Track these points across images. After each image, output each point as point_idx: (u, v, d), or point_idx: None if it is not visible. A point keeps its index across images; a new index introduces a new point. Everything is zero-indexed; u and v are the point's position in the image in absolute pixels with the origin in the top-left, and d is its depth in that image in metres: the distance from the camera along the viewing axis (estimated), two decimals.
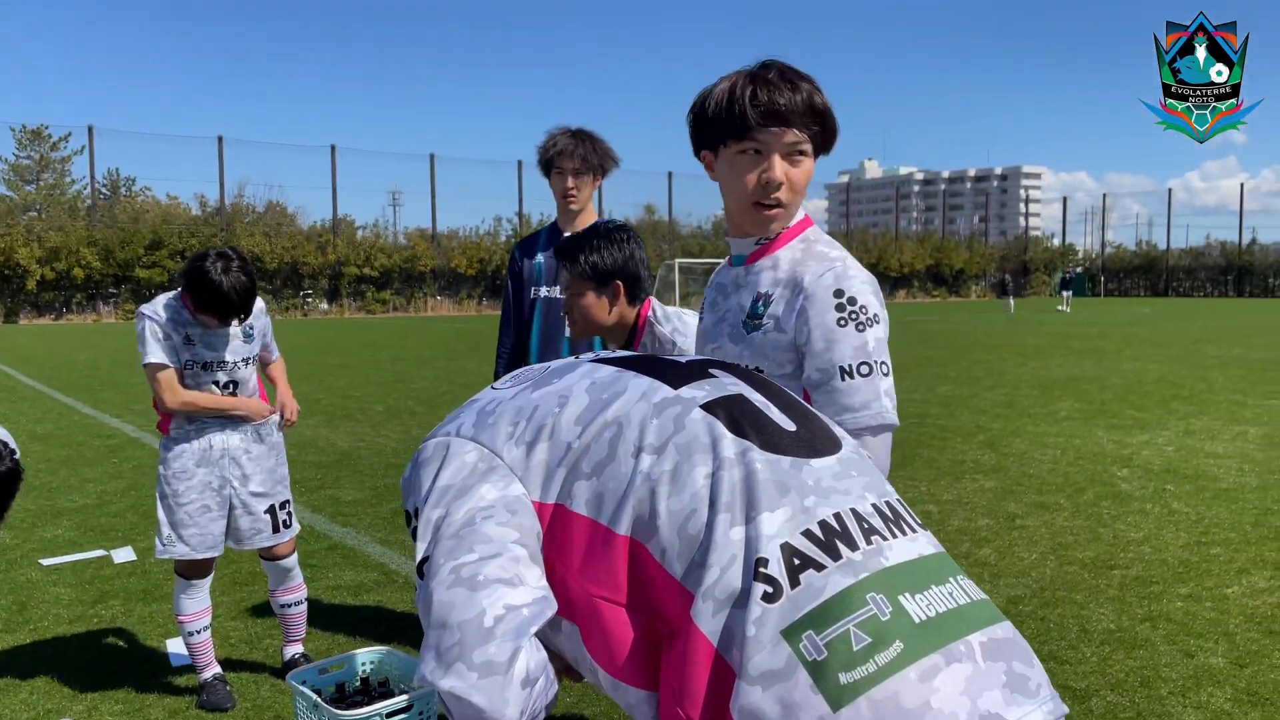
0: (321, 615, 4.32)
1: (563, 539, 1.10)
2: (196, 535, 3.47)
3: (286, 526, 3.66)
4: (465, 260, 45.46)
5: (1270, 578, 4.65)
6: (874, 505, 1.09)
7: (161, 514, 3.49)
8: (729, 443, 1.09)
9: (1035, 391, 12.00)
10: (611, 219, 2.76)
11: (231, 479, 3.54)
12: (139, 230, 39.19)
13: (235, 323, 3.41)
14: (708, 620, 1.00)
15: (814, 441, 1.14)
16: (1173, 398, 11.20)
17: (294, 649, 3.77)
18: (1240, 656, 3.70)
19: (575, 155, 3.56)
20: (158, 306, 3.42)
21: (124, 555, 5.38)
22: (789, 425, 1.14)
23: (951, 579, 1.05)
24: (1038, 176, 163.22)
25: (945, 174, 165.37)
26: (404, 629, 4.18)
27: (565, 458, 1.12)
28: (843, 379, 1.68)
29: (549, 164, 3.62)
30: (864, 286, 1.74)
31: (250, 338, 3.57)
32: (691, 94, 1.81)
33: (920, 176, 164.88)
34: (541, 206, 50.96)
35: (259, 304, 3.61)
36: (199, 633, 3.54)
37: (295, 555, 3.72)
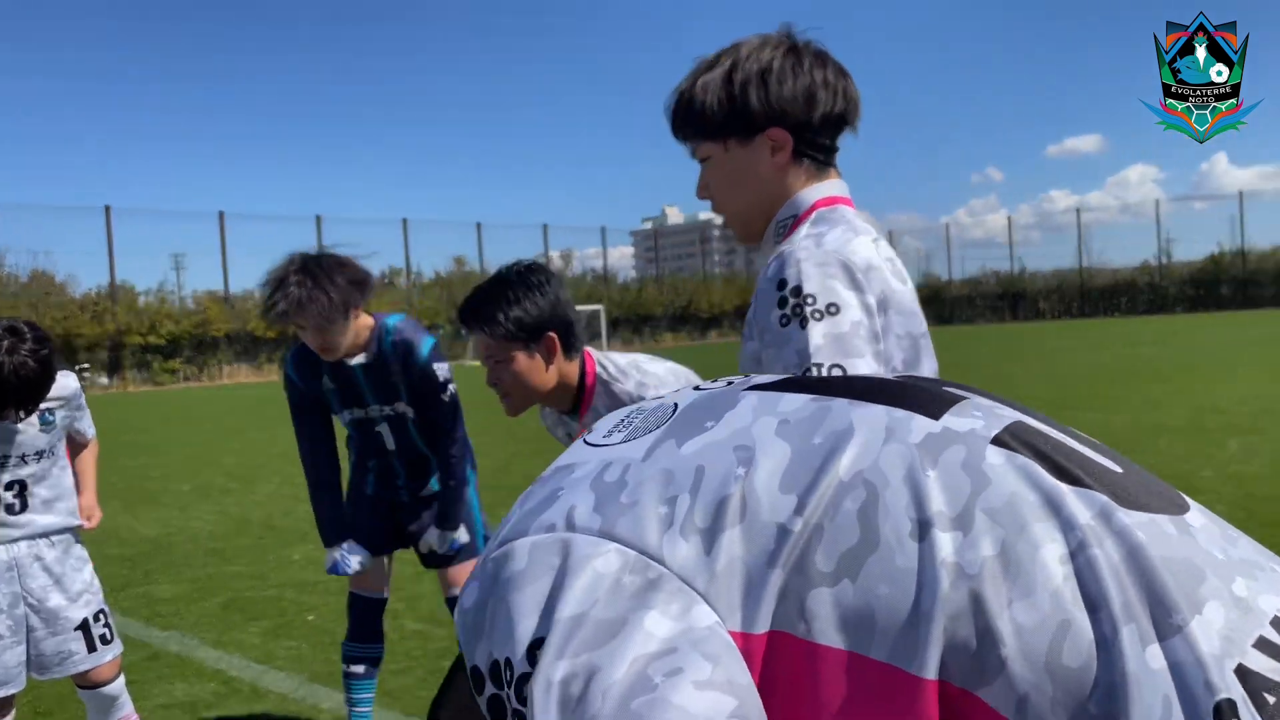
0: None
1: (794, 691, 0.65)
2: None
3: (106, 643, 2.93)
4: (264, 322, 43.00)
5: None
6: None
7: None
8: (1074, 500, 0.67)
9: None
10: (519, 260, 2.28)
11: (26, 595, 2.80)
12: None
13: (14, 415, 2.68)
14: None
15: (1163, 489, 0.72)
16: None
17: None
18: None
19: (308, 313, 2.81)
20: None
21: None
22: (1113, 465, 0.72)
23: None
24: None
25: None
26: None
27: (780, 552, 0.67)
28: None
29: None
30: (816, 270, 1.35)
31: (49, 425, 2.85)
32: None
33: (720, 221, 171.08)
34: None
35: (70, 383, 2.92)
36: None
37: (121, 679, 2.98)
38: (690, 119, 1.51)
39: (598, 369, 2.25)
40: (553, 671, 0.64)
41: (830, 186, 1.52)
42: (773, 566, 0.67)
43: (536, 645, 0.66)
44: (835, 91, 1.46)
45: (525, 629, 0.67)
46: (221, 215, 43.76)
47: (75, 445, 3.19)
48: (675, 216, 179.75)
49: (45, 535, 2.87)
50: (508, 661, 0.67)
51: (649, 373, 2.27)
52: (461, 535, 3.18)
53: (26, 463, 2.81)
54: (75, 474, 3.17)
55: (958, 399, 0.78)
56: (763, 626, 0.66)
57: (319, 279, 2.81)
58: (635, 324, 48.19)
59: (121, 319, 40.01)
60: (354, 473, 3.33)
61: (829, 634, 0.65)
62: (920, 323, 1.48)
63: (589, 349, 2.30)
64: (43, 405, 2.82)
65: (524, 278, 2.18)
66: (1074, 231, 57.22)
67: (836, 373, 1.29)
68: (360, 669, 3.20)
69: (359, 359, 2.99)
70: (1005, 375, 17.60)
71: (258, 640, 4.77)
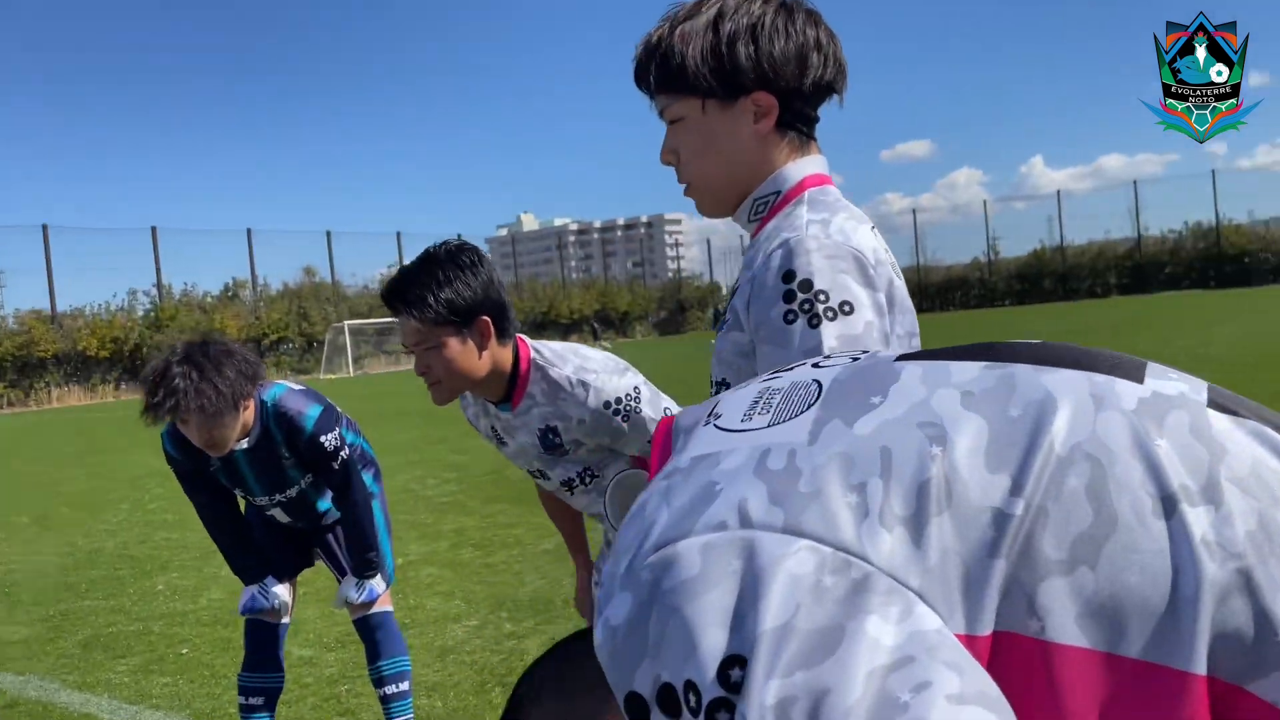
0: None
1: (1029, 700, 0.58)
2: None
3: None
4: (96, 341, 40.28)
5: None
6: None
7: None
8: None
9: None
10: (447, 240, 2.18)
11: None
12: None
13: None
14: None
15: None
16: None
17: None
18: None
19: (191, 409, 2.59)
20: None
21: None
22: None
23: None
24: (679, 222, 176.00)
25: (597, 224, 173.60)
26: None
27: (1002, 540, 0.59)
28: None
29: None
30: (827, 263, 1.24)
31: None
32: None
33: (575, 227, 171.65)
34: (184, 275, 46.56)
35: None
36: None
37: None
38: (665, 73, 1.34)
39: (533, 354, 2.15)
40: (765, 694, 0.54)
41: (815, 163, 1.40)
42: (994, 557, 0.58)
43: (729, 664, 0.56)
44: (827, 56, 1.34)
45: (712, 646, 0.57)
46: (45, 228, 40.91)
47: None
48: (531, 223, 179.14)
49: None
50: (689, 684, 0.57)
51: (588, 357, 2.18)
52: (378, 585, 3.04)
53: None
54: None
55: (1143, 361, 0.70)
56: (986, 627, 0.58)
57: (205, 370, 2.60)
58: None
59: None
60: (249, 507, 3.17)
61: (1069, 631, 0.57)
62: (914, 320, 1.39)
63: (521, 335, 2.18)
64: None
65: (454, 257, 2.04)
66: (910, 232, 59.97)
67: None
68: (259, 700, 3.04)
69: (242, 444, 2.81)
70: None
71: (127, 679, 4.46)
